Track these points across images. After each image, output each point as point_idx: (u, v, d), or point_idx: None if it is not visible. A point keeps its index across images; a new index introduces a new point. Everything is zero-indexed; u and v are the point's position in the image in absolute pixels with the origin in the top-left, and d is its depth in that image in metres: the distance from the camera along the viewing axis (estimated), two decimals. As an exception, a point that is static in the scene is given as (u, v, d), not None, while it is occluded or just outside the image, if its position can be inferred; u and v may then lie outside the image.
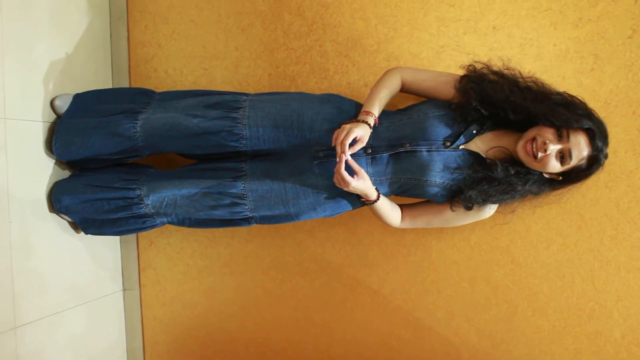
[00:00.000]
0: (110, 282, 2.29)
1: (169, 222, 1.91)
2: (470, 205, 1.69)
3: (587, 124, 1.55)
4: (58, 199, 1.90)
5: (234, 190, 1.77)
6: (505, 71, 1.68)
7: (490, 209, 1.77)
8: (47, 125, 1.93)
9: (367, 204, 1.73)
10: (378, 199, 1.70)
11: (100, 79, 2.21)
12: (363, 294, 2.17)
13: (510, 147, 1.66)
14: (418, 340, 2.15)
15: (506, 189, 1.63)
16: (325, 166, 1.71)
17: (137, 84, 2.26)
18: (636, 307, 1.94)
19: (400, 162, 1.68)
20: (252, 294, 2.27)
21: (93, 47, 2.18)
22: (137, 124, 1.84)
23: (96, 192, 1.87)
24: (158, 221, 1.90)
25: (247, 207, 1.78)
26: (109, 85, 2.27)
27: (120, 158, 1.90)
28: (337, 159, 1.58)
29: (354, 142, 1.60)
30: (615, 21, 1.87)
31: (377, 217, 1.79)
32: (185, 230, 2.28)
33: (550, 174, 1.63)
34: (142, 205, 1.84)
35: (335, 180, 1.62)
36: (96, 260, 2.19)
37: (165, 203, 1.83)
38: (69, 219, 1.98)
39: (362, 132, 1.61)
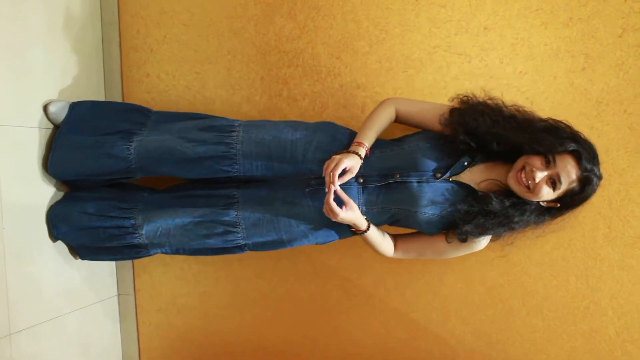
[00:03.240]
0: (105, 287, 2.29)
1: (163, 252, 1.93)
2: (465, 238, 1.68)
3: (571, 146, 1.53)
4: (56, 226, 1.92)
5: (226, 218, 1.78)
6: (489, 101, 1.67)
7: (484, 241, 1.75)
8: (41, 131, 1.92)
9: (358, 234, 1.72)
10: (368, 229, 1.69)
11: (92, 84, 2.21)
12: (358, 296, 2.17)
13: (502, 179, 1.65)
14: (414, 341, 2.15)
15: (503, 221, 1.61)
16: (317, 195, 1.71)
17: (130, 88, 2.26)
18: (630, 304, 1.95)
19: (391, 192, 1.68)
20: (248, 297, 2.27)
21: (85, 52, 2.18)
22: (131, 146, 1.84)
23: (92, 220, 1.88)
24: (152, 252, 1.91)
25: (239, 235, 1.79)
26: (101, 90, 2.27)
27: (112, 179, 1.91)
28: (327, 189, 1.58)
29: (344, 172, 1.60)
30: (605, 20, 1.88)
31: (369, 246, 1.79)
32: (179, 234, 2.28)
33: (547, 202, 1.60)
34: (137, 235, 1.85)
35: (324, 210, 1.61)
36: (91, 265, 2.18)
37: (159, 233, 1.84)
38: (69, 244, 2.00)
39: (351, 163, 1.61)
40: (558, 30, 1.92)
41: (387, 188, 1.69)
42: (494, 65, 1.98)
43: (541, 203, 1.61)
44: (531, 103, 1.92)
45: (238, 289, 2.28)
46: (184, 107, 2.21)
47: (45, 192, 1.95)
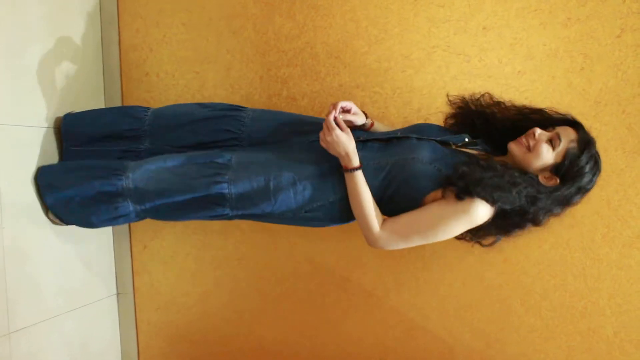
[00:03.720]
0: (104, 286, 2.29)
1: (142, 211, 1.81)
2: (462, 188, 1.54)
3: (570, 115, 1.62)
4: (45, 168, 1.90)
5: (219, 160, 1.74)
6: (487, 96, 1.76)
7: (481, 207, 1.54)
8: (41, 130, 1.93)
9: (348, 171, 1.63)
10: (359, 168, 1.63)
11: (92, 83, 2.21)
12: (357, 295, 2.18)
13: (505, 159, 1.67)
14: (412, 340, 2.16)
15: (501, 181, 1.53)
16: (314, 148, 1.72)
17: (129, 88, 2.27)
18: (628, 304, 1.96)
19: (390, 147, 1.69)
20: (246, 296, 2.28)
21: (84, 51, 2.18)
22: (148, 110, 1.93)
23: (80, 162, 1.89)
24: (131, 207, 1.80)
25: (227, 177, 1.71)
26: (100, 89, 2.27)
27: (120, 142, 1.91)
28: (327, 115, 1.62)
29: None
30: (603, 21, 1.88)
31: (355, 203, 1.64)
32: (178, 233, 2.29)
33: (545, 174, 1.57)
34: (122, 177, 1.77)
35: (321, 134, 1.63)
36: (90, 264, 2.19)
37: (147, 175, 1.77)
38: (42, 198, 1.90)
39: (357, 109, 1.72)
40: (557, 31, 1.92)
41: (386, 145, 1.70)
42: (493, 65, 1.98)
43: (541, 180, 1.56)
44: (530, 103, 1.92)
45: (237, 289, 2.28)
46: (183, 107, 2.21)
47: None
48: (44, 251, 1.95)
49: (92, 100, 2.20)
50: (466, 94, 1.77)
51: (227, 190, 1.72)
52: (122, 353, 2.38)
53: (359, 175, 1.63)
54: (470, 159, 1.61)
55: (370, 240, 1.65)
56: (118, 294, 2.37)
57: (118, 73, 2.27)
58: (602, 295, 1.97)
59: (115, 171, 1.78)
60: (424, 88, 2.03)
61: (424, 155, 1.61)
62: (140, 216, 1.84)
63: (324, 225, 1.80)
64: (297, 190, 1.70)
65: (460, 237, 1.67)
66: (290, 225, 1.80)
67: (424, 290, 2.12)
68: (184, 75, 2.23)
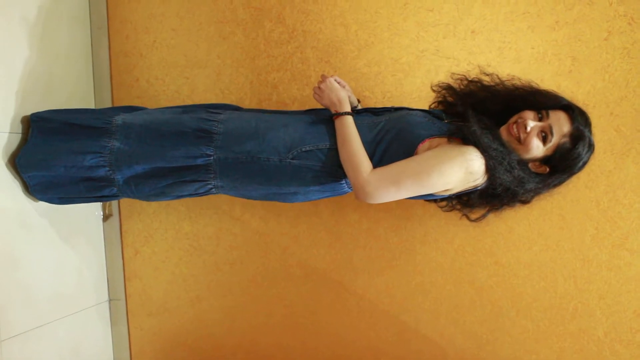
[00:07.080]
0: (96, 292, 2.29)
1: (129, 175, 1.75)
2: (459, 131, 1.57)
3: (565, 100, 1.58)
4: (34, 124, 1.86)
5: (207, 127, 1.69)
6: (483, 76, 1.72)
7: (476, 154, 1.49)
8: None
9: (339, 116, 1.62)
10: (349, 114, 1.62)
11: (81, 89, 2.21)
12: (349, 299, 2.18)
13: None
14: (404, 343, 2.16)
15: (500, 154, 1.51)
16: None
17: (119, 93, 2.26)
18: (618, 305, 1.97)
19: (384, 114, 1.73)
20: (239, 301, 2.28)
21: (74, 57, 2.18)
22: (119, 115, 1.81)
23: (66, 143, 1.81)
24: (116, 178, 1.75)
25: (213, 144, 1.67)
26: (90, 95, 2.27)
27: (89, 127, 1.80)
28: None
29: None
30: (591, 24, 1.89)
31: (344, 148, 1.58)
32: (170, 239, 2.28)
33: (535, 163, 1.57)
34: (109, 132, 1.76)
35: (314, 87, 1.71)
36: (81, 271, 2.18)
37: (130, 131, 1.74)
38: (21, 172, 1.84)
39: (350, 88, 1.81)
40: (545, 34, 1.93)
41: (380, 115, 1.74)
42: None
43: (530, 166, 1.57)
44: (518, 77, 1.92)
45: (229, 293, 2.28)
46: (173, 112, 2.21)
47: (33, 198, 1.94)
48: (35, 258, 1.94)
49: (82, 106, 2.20)
50: (451, 80, 1.77)
51: (215, 128, 1.69)
52: (114, 359, 2.38)
53: (350, 120, 1.61)
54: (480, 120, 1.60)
55: (358, 185, 1.53)
56: (110, 300, 2.36)
57: (108, 79, 2.27)
58: (592, 296, 1.99)
59: (102, 128, 1.78)
60: (413, 92, 2.04)
61: (419, 113, 1.67)
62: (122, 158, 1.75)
63: (309, 185, 1.66)
64: (288, 131, 1.66)
65: (450, 206, 1.75)
66: (271, 189, 1.68)
67: (415, 293, 2.12)
68: (174, 81, 2.23)
